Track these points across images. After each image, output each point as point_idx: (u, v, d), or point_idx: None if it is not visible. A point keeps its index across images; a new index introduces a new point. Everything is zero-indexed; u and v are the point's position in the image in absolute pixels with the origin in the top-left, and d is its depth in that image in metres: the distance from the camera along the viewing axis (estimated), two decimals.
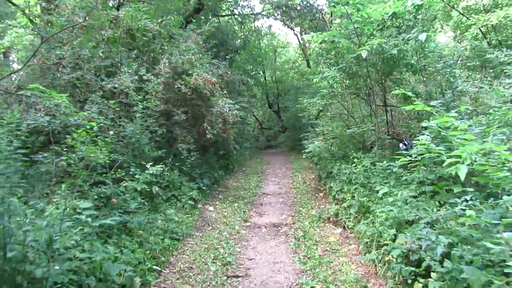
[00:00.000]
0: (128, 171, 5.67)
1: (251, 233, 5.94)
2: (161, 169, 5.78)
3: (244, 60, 12.91)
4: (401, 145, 7.26)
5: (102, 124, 5.56)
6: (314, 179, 10.17)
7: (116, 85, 6.64)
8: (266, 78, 26.27)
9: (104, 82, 6.70)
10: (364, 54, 5.35)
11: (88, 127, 4.79)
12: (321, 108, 8.79)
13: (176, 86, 7.12)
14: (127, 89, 6.45)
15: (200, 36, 8.41)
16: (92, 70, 6.78)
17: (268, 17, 20.79)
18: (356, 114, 8.30)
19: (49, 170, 4.62)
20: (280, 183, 10.30)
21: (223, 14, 17.72)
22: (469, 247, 2.82)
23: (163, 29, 8.00)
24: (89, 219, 3.49)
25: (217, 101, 7.41)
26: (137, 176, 5.50)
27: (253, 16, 19.59)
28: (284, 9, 20.37)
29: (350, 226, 5.57)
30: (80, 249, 3.33)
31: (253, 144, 22.88)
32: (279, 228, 6.18)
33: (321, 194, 8.27)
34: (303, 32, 23.51)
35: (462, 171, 2.69)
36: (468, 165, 2.77)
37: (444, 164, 3.01)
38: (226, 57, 10.19)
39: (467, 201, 3.46)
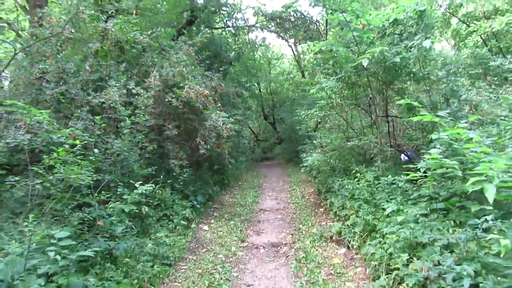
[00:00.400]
0: (115, 191, 5.29)
1: (249, 255, 5.55)
2: (152, 187, 5.41)
3: (238, 72, 12.62)
4: (402, 156, 6.94)
5: (86, 142, 5.21)
6: (313, 193, 9.80)
7: (103, 100, 6.30)
8: (261, 90, 26.07)
9: (90, 97, 6.35)
10: (365, 62, 5.04)
11: (69, 145, 4.44)
12: (319, 120, 8.48)
13: (167, 100, 6.78)
14: (114, 103, 6.10)
15: (192, 48, 8.10)
16: (78, 85, 6.43)
17: (262, 30, 20.67)
18: (356, 125, 7.99)
19: (26, 193, 4.23)
20: (278, 198, 9.92)
21: (217, 26, 17.52)
22: (499, 278, 2.46)
23: (154, 41, 7.69)
24: (66, 251, 3.10)
25: (210, 115, 7.06)
26: (125, 197, 5.12)
27: (247, 28, 19.42)
28: (278, 20, 20.25)
29: (355, 246, 5.18)
30: (54, 286, 2.93)
31: (249, 156, 22.53)
32: (279, 248, 5.79)
33: (322, 210, 7.89)
34: (298, 43, 23.49)
35: (490, 192, 2.36)
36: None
37: (468, 183, 2.66)
38: (220, 69, 9.87)
39: (487, 221, 3.10)
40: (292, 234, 6.40)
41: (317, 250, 5.46)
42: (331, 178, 7.91)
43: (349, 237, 5.41)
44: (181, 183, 6.93)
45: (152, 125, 6.77)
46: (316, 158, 8.13)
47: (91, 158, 5.40)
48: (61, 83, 6.31)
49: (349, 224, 5.61)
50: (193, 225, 6.71)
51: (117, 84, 6.59)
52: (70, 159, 4.31)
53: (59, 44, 6.75)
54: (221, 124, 6.83)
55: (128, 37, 7.35)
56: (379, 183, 5.69)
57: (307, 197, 9.53)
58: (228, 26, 18.57)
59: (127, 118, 5.81)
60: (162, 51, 7.93)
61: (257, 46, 22.17)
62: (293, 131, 19.34)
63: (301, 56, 26.32)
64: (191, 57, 8.04)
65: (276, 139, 27.17)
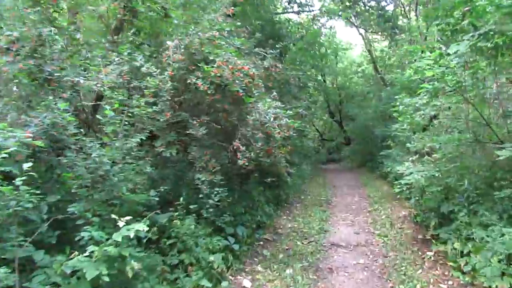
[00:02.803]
0: (77, 235, 3.01)
1: None
2: (146, 226, 3.09)
3: (300, 55, 10.00)
4: None
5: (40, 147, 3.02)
6: (407, 219, 6.86)
7: (96, 82, 4.11)
8: (327, 83, 23.05)
9: (78, 78, 4.17)
10: None
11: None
12: (433, 113, 5.51)
13: (189, 82, 4.39)
14: (102, 86, 3.85)
15: (232, 8, 5.56)
16: (59, 61, 4.27)
17: (330, 17, 17.69)
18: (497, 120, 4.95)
19: None
20: (354, 223, 7.13)
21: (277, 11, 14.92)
22: None
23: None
24: None
25: (257, 105, 4.52)
26: (92, 249, 2.82)
27: (312, 15, 16.51)
28: (348, 3, 17.27)
29: None
30: None
31: (313, 157, 19.78)
32: None
33: (431, 254, 5.00)
34: (370, 30, 20.23)
35: None
36: None
37: None
38: (277, 46, 7.27)
39: None
40: None
41: None
42: (446, 204, 4.98)
43: None
44: (211, 209, 4.50)
45: (168, 120, 4.43)
46: (422, 172, 5.21)
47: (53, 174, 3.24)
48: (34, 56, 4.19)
49: None
50: (227, 276, 4.27)
51: (117, 59, 4.38)
52: None
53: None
54: (272, 119, 4.23)
55: None
56: None
57: (398, 226, 6.61)
58: (288, 11, 15.87)
59: (107, 108, 3.49)
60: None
61: (322, 33, 19.13)
62: (366, 130, 16.21)
63: (373, 45, 22.95)
64: (232, 24, 5.58)
65: (344, 139, 24.10)
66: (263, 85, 5.18)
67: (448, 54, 3.96)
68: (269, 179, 6.35)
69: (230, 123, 4.73)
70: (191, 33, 4.66)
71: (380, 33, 19.58)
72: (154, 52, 5.39)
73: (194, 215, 4.53)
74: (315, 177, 13.81)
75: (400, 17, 18.48)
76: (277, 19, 12.81)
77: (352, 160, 19.41)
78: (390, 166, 8.84)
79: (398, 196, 8.07)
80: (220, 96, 4.47)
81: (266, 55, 6.41)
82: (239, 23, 6.21)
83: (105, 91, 4.08)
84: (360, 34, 22.22)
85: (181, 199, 4.47)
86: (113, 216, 3.12)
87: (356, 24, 20.44)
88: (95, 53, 4.82)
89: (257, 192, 6.48)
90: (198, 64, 4.47)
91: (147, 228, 3.12)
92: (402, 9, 17.09)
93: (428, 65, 4.52)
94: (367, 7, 17.60)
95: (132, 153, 3.70)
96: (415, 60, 5.43)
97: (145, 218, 3.30)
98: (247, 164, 4.25)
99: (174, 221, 4.35)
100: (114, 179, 3.25)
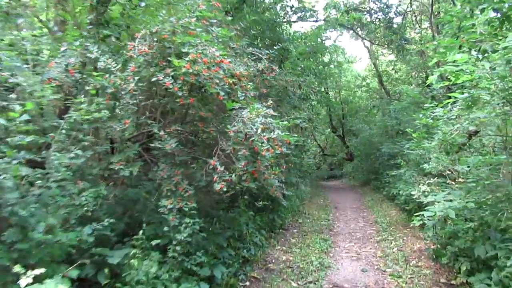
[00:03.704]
0: None
1: None
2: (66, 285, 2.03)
3: (302, 61, 9.01)
4: None
5: None
6: (425, 256, 5.77)
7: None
8: (330, 96, 22.11)
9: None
10: None
11: None
12: (475, 129, 4.41)
13: (156, 79, 3.38)
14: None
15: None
16: None
17: (335, 28, 16.88)
18: None
19: None
20: (360, 256, 6.03)
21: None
22: None
23: None
24: None
25: (241, 112, 3.49)
26: None
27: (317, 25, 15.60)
28: (354, 14, 16.43)
29: None
30: None
31: (313, 174, 18.67)
32: None
33: None
34: (376, 43, 19.39)
35: None
36: None
37: None
38: (275, 47, 6.27)
39: None
40: None
41: None
42: (482, 245, 3.92)
43: None
44: (178, 247, 3.45)
45: (127, 129, 3.42)
46: (446, 200, 4.15)
47: None
48: None
49: None
50: None
51: (63, 49, 3.40)
52: None
53: None
54: (259, 131, 3.20)
55: None
56: None
57: (414, 262, 5.52)
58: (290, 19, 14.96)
59: (17, 108, 2.47)
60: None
61: (327, 46, 18.17)
62: (370, 146, 15.18)
63: (379, 58, 22.11)
64: (218, 15, 4.60)
65: (346, 155, 23.09)
66: (255, 90, 4.20)
67: (496, 51, 2.97)
68: (260, 203, 5.29)
69: (208, 135, 3.71)
70: (162, 18, 3.67)
71: (386, 46, 18.70)
72: (124, 46, 4.43)
73: (158, 252, 3.49)
74: (315, 196, 12.72)
75: (408, 29, 17.70)
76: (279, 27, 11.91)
77: (355, 178, 18.31)
78: (401, 188, 7.78)
79: (412, 225, 7.00)
80: (196, 100, 3.46)
81: (261, 55, 5.43)
82: (230, 18, 5.26)
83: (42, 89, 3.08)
84: (366, 46, 21.44)
85: (141, 232, 3.44)
86: (16, 269, 2.09)
87: (361, 35, 19.70)
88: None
89: (246, 219, 5.41)
90: (169, 58, 3.48)
91: None
92: (414, 17, 16.21)
93: (461, 66, 3.51)
94: (373, 18, 16.83)
95: (65, 172, 2.68)
96: (437, 65, 4.44)
97: (70, 269, 2.27)
98: (225, 190, 3.20)
99: (132, 260, 3.33)
100: (22, 212, 2.21)
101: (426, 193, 6.07)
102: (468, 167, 4.61)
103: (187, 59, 3.21)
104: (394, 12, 16.14)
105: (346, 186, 17.30)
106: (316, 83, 9.71)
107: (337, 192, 15.05)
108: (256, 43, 6.83)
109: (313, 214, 9.34)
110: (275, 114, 3.53)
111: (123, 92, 3.49)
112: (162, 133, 3.48)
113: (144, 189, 4.03)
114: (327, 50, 12.72)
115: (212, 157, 3.56)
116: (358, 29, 19.08)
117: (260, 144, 3.08)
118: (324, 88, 18.57)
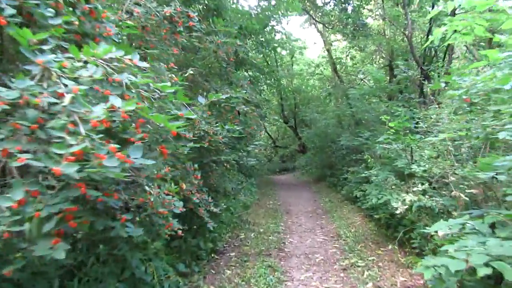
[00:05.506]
0: None
1: None
2: None
3: (243, 23, 7.01)
4: None
5: None
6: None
7: None
8: (282, 84, 20.35)
9: None
10: None
11: None
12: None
13: None
14: None
15: None
16: None
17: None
18: None
19: None
20: None
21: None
22: None
23: None
24: None
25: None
26: None
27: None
28: None
29: None
30: None
31: (263, 168, 16.91)
32: None
33: None
34: (330, 27, 17.82)
35: None
36: None
37: None
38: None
39: None
40: None
41: None
42: None
43: None
44: None
45: None
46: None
47: None
48: None
49: None
50: None
51: None
52: None
53: None
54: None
55: None
56: None
57: None
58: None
59: None
60: None
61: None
62: (325, 138, 13.59)
63: (332, 44, 20.64)
64: None
65: (298, 147, 21.72)
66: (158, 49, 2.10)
67: None
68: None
69: None
70: None
71: (341, 28, 17.17)
72: None
73: None
74: (264, 196, 10.85)
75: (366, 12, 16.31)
76: None
77: (309, 172, 16.73)
78: (370, 192, 6.04)
79: (375, 227, 5.29)
80: None
81: None
82: None
83: None
84: (319, 31, 19.84)
85: None
86: None
87: (315, 18, 18.19)
88: None
89: (144, 254, 3.32)
90: None
91: None
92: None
93: None
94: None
95: None
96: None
97: None
98: None
99: None
100: None
101: (412, 204, 4.35)
102: (497, 173, 2.87)
103: None
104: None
105: (298, 182, 15.65)
106: (260, 55, 7.73)
107: (289, 189, 13.30)
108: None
109: (260, 223, 7.40)
110: (146, 66, 1.49)
111: None
112: None
113: None
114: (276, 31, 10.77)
115: None
116: (311, 11, 17.63)
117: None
118: (273, 78, 16.56)
